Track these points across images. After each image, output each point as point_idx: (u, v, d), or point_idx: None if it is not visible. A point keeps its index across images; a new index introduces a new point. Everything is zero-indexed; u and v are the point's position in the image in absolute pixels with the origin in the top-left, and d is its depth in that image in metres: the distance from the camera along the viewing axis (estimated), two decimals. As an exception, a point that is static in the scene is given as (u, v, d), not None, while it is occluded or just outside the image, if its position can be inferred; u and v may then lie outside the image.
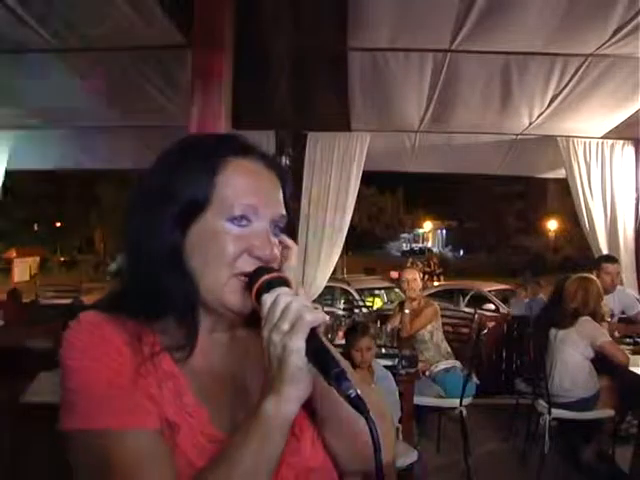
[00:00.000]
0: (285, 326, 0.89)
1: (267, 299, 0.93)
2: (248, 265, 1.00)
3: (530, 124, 6.37)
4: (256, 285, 0.96)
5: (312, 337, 0.89)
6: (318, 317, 0.90)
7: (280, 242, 1.07)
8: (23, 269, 37.81)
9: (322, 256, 6.95)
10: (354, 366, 3.89)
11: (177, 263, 1.00)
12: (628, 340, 5.25)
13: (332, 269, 7.21)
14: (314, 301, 7.53)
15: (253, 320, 1.08)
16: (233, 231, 1.00)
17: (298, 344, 0.88)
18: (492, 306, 13.25)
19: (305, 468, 1.02)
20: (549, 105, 5.81)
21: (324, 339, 0.97)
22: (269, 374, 0.91)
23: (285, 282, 0.97)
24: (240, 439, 0.90)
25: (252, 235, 1.01)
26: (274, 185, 1.08)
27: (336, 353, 1.02)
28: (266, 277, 0.96)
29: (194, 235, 1.00)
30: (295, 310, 0.89)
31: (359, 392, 0.85)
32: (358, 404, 0.85)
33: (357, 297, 12.89)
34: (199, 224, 1.00)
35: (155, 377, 0.95)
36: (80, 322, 0.97)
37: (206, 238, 1.00)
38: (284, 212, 1.07)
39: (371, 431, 0.84)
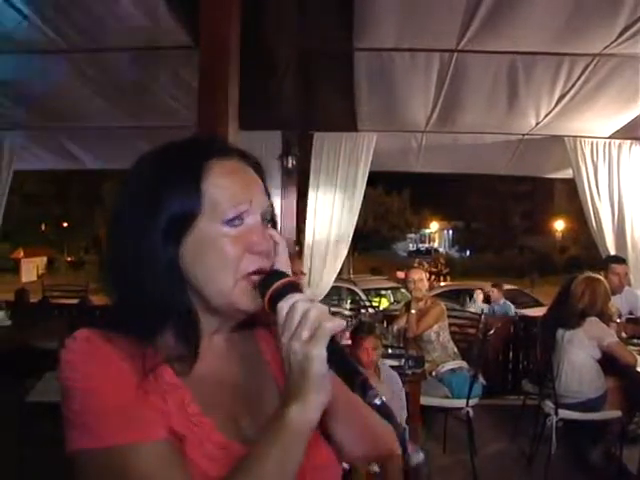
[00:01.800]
0: (305, 334, 0.88)
1: (283, 307, 0.92)
2: (252, 264, 0.99)
3: (537, 124, 6.35)
4: (269, 292, 0.96)
5: (332, 344, 0.89)
6: (338, 325, 0.90)
7: (270, 237, 1.06)
8: (30, 269, 37.96)
9: (328, 256, 6.97)
10: (361, 366, 3.90)
11: (175, 278, 0.99)
12: (636, 341, 5.23)
13: (338, 269, 7.22)
14: (320, 301, 7.57)
15: (246, 322, 1.09)
16: (230, 233, 0.99)
17: (320, 352, 0.87)
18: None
19: (310, 466, 1.01)
20: (556, 105, 5.80)
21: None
22: (290, 381, 0.91)
23: (297, 287, 0.97)
24: (263, 447, 0.89)
25: (248, 232, 1.00)
26: (256, 179, 1.07)
27: None
28: (278, 283, 0.96)
29: (190, 245, 0.99)
30: (314, 318, 0.89)
31: (384, 399, 0.87)
32: (385, 411, 0.86)
33: (363, 297, 12.91)
34: (194, 234, 0.99)
35: (158, 390, 0.94)
36: (76, 340, 0.96)
37: (204, 246, 0.99)
38: (270, 202, 1.08)
39: (399, 437, 0.88)
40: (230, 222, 0.99)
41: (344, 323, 0.92)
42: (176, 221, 0.98)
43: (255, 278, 0.99)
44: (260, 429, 0.94)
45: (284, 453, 0.88)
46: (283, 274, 1.00)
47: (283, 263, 1.06)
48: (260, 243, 1.00)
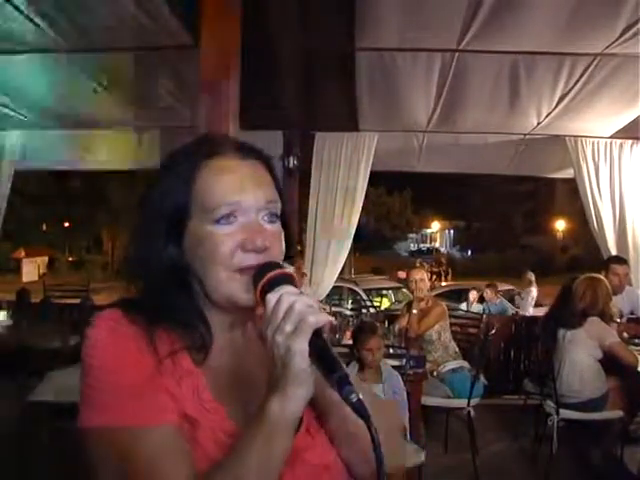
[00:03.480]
0: (288, 327, 0.89)
1: (271, 299, 0.92)
2: (244, 260, 1.00)
3: (538, 124, 6.35)
4: (260, 284, 0.96)
5: (315, 339, 0.89)
6: (321, 319, 0.90)
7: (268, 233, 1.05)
8: (32, 269, 37.98)
9: (330, 256, 6.97)
10: (363, 366, 3.90)
11: (179, 277, 1.03)
12: (637, 341, 5.23)
13: (340, 269, 7.22)
14: (321, 301, 7.56)
15: None
16: (221, 231, 1.01)
17: (301, 346, 0.88)
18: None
19: (319, 465, 1.03)
20: (557, 105, 5.79)
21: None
22: (273, 373, 0.92)
23: (289, 279, 0.97)
24: (247, 439, 0.91)
25: (240, 230, 1.01)
26: (255, 175, 1.07)
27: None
28: (269, 275, 0.96)
29: (188, 245, 1.03)
30: (298, 312, 0.89)
31: (361, 396, 0.86)
32: (359, 408, 0.85)
33: (365, 297, 12.88)
34: (189, 234, 1.03)
35: (174, 374, 0.97)
36: (101, 319, 0.99)
37: (198, 244, 1.01)
38: (272, 197, 1.07)
39: (372, 434, 0.85)
40: (220, 221, 1.01)
41: (329, 317, 0.92)
42: (172, 223, 1.02)
43: (249, 273, 0.99)
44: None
45: (267, 444, 0.90)
46: (277, 266, 0.99)
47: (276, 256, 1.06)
48: (252, 240, 1.00)
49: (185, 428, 0.94)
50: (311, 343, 0.88)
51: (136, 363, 0.95)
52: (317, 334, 0.89)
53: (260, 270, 0.98)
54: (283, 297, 0.91)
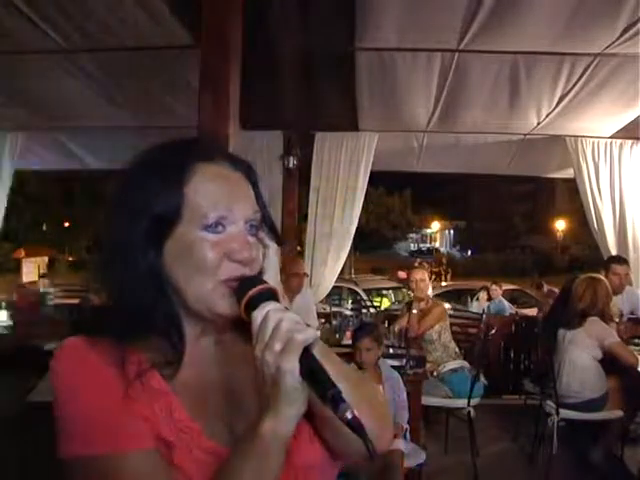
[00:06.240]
0: (277, 346, 0.87)
1: (257, 316, 0.92)
2: (231, 270, 0.98)
3: (538, 124, 6.34)
4: (244, 300, 0.95)
5: (305, 356, 0.88)
6: (309, 336, 0.89)
7: (259, 240, 1.05)
8: (32, 269, 37.94)
9: (330, 256, 6.98)
10: (360, 366, 3.90)
11: (156, 283, 0.99)
12: (637, 341, 5.23)
13: (340, 269, 7.22)
14: (321, 301, 7.56)
15: (239, 324, 1.05)
16: (210, 238, 0.98)
17: (291, 365, 0.87)
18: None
19: (303, 465, 1.01)
20: (557, 105, 5.79)
21: (327, 349, 0.99)
22: (264, 392, 0.91)
23: (273, 294, 0.96)
24: (239, 459, 0.90)
25: (229, 239, 0.99)
26: (243, 185, 1.06)
27: (336, 363, 1.01)
28: (253, 291, 0.95)
29: (171, 250, 0.99)
30: (286, 330, 0.88)
31: (356, 413, 0.84)
32: (355, 426, 0.84)
33: (365, 297, 12.90)
34: (174, 238, 0.99)
35: (145, 397, 0.94)
36: (64, 349, 0.97)
37: (183, 250, 0.98)
38: (256, 208, 1.06)
39: (368, 449, 0.84)
40: (209, 228, 0.98)
41: (316, 334, 0.92)
42: (157, 225, 0.98)
43: (233, 284, 0.98)
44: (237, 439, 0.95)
45: (259, 464, 0.89)
46: (260, 280, 0.99)
47: (273, 265, 1.06)
48: (240, 251, 0.99)
49: (162, 451, 0.92)
50: (301, 361, 0.87)
51: (103, 390, 0.92)
52: (307, 351, 0.88)
53: (243, 284, 0.97)
54: (269, 314, 0.90)
